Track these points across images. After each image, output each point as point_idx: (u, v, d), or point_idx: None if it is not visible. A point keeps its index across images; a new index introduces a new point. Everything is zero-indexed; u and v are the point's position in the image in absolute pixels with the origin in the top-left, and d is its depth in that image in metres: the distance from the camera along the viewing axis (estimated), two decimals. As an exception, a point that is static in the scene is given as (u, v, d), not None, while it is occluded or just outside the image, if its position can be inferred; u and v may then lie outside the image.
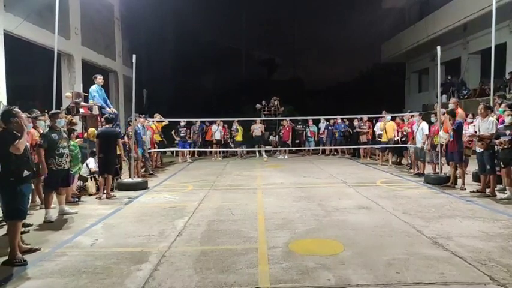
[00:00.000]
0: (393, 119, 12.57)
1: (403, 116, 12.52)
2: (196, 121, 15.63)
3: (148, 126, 11.72)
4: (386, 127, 12.11)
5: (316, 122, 16.83)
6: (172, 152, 15.74)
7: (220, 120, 15.45)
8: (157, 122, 12.98)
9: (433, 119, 9.67)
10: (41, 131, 6.57)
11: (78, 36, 15.04)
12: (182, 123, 14.67)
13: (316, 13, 30.38)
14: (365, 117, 14.37)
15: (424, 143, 9.70)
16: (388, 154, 12.58)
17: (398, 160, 12.59)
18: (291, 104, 20.77)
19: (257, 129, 15.66)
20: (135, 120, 9.76)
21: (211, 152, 16.15)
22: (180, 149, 15.01)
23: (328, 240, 4.79)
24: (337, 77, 30.59)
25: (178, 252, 4.41)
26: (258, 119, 16.04)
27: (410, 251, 4.30)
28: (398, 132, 11.79)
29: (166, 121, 13.33)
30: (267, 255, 4.23)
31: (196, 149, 15.60)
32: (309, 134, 16.56)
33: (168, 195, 8.02)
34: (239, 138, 15.87)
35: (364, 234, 4.98)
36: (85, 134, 9.10)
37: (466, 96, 17.20)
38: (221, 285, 3.49)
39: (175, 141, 14.92)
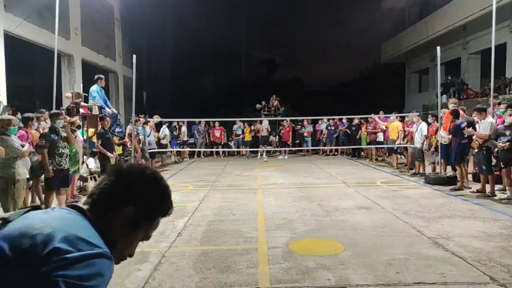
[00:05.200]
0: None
1: (401, 116, 12.53)
2: (200, 121, 15.75)
3: (153, 127, 11.96)
4: (390, 127, 12.09)
5: (316, 122, 16.90)
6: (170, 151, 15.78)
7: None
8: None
9: (429, 120, 9.69)
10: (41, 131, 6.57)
11: (78, 36, 15.03)
12: (172, 123, 14.79)
13: (316, 13, 30.38)
14: (371, 117, 14.26)
15: (422, 144, 9.71)
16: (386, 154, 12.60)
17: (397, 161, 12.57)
18: (291, 104, 20.78)
19: (264, 129, 15.77)
20: (137, 120, 9.79)
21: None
22: (180, 149, 15.04)
23: (328, 240, 4.79)
24: (337, 77, 30.60)
25: (178, 252, 4.41)
26: (265, 119, 16.11)
27: (410, 251, 4.29)
28: (401, 134, 11.65)
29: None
30: (267, 255, 4.23)
31: (187, 149, 15.70)
32: (305, 134, 16.62)
33: (168, 195, 8.00)
34: (247, 138, 15.98)
35: (364, 234, 4.97)
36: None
37: (465, 97, 17.22)
38: (221, 285, 3.49)
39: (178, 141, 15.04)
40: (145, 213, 1.15)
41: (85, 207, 1.13)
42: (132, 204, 1.12)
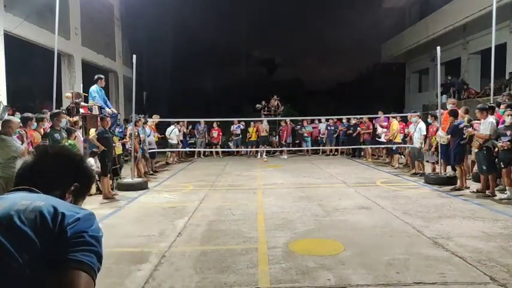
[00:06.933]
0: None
1: (401, 116, 12.55)
2: (200, 121, 15.75)
3: (153, 127, 12.10)
4: (390, 128, 12.09)
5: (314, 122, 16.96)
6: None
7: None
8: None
9: (429, 120, 9.70)
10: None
11: (78, 36, 15.03)
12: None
13: (316, 13, 30.38)
14: (365, 117, 14.37)
15: (421, 143, 9.72)
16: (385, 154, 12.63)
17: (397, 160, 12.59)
18: (291, 104, 20.80)
19: (264, 128, 15.80)
20: (137, 120, 9.78)
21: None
22: (180, 149, 15.03)
23: (328, 240, 4.79)
24: (337, 77, 30.60)
25: (178, 252, 4.41)
26: (264, 119, 16.13)
27: (410, 251, 4.30)
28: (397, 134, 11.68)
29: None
30: (267, 255, 4.23)
31: (187, 149, 15.71)
32: (305, 134, 16.65)
33: (168, 195, 8.02)
34: (254, 137, 16.05)
35: (364, 234, 4.98)
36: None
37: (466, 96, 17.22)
38: (221, 285, 3.49)
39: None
40: (84, 190, 1.36)
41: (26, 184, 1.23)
42: (77, 181, 1.31)
